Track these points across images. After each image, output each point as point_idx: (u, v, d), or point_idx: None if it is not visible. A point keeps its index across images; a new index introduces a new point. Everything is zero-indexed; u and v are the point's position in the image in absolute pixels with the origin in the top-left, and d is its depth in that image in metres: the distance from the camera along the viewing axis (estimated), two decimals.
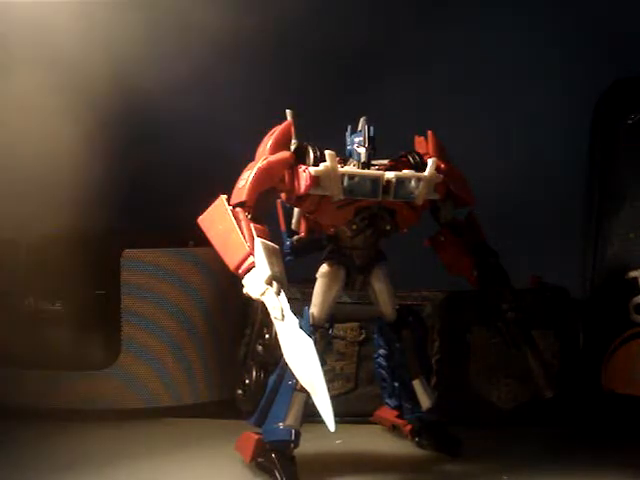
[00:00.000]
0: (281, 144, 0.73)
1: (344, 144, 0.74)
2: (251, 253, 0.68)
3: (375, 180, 0.71)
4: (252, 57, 1.08)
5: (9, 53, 1.00)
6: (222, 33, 1.01)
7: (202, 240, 0.72)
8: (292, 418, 0.72)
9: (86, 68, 1.03)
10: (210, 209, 0.72)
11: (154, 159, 1.08)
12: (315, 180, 0.70)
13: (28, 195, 0.99)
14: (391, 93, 1.10)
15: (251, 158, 0.73)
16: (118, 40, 1.03)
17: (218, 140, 1.05)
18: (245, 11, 1.03)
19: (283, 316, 0.66)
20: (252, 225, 0.69)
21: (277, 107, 0.74)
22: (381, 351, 0.82)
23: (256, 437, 0.74)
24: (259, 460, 0.73)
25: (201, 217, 0.72)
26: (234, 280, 0.70)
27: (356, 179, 0.71)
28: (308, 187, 0.70)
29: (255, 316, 0.91)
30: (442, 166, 0.75)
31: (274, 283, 0.67)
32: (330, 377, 0.87)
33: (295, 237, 0.78)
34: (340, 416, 0.64)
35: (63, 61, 1.00)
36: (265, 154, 0.72)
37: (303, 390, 0.69)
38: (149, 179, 1.07)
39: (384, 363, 0.82)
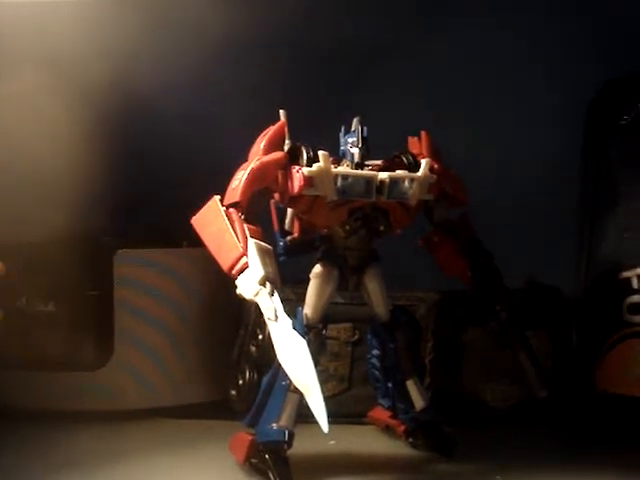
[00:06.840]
0: (274, 144, 0.72)
1: (338, 144, 0.74)
2: (244, 254, 0.68)
3: (369, 180, 0.71)
4: (250, 56, 1.08)
5: (6, 53, 0.99)
6: (221, 32, 1.01)
7: (196, 240, 0.72)
8: (286, 419, 0.72)
9: (84, 68, 1.02)
10: (203, 209, 0.72)
11: (149, 159, 1.07)
12: (308, 181, 0.70)
13: (22, 196, 0.98)
14: (386, 93, 1.10)
15: (247, 158, 0.73)
16: (117, 39, 1.03)
17: (215, 140, 1.05)
18: (244, 10, 1.03)
19: (276, 317, 0.66)
20: (245, 226, 0.69)
21: (273, 107, 0.74)
22: (374, 352, 0.81)
23: (250, 438, 0.74)
24: (253, 461, 0.73)
25: (194, 217, 0.72)
26: (227, 281, 0.70)
27: (350, 179, 0.71)
28: (301, 188, 0.70)
29: (249, 317, 0.91)
30: (435, 166, 0.75)
31: (267, 284, 0.67)
32: (324, 378, 0.87)
33: (288, 237, 0.78)
34: (334, 417, 0.64)
35: (61, 61, 1.00)
36: (258, 154, 0.72)
37: (297, 391, 0.68)
38: (143, 180, 1.07)
39: (377, 364, 0.81)
